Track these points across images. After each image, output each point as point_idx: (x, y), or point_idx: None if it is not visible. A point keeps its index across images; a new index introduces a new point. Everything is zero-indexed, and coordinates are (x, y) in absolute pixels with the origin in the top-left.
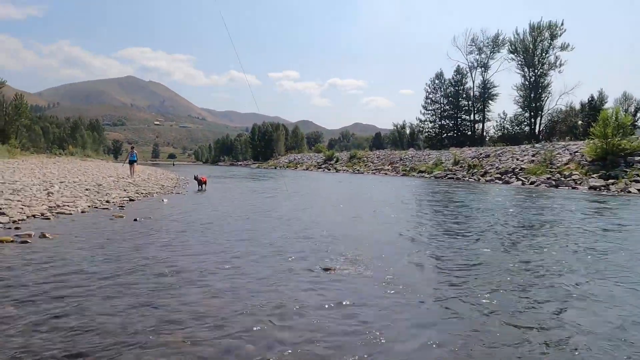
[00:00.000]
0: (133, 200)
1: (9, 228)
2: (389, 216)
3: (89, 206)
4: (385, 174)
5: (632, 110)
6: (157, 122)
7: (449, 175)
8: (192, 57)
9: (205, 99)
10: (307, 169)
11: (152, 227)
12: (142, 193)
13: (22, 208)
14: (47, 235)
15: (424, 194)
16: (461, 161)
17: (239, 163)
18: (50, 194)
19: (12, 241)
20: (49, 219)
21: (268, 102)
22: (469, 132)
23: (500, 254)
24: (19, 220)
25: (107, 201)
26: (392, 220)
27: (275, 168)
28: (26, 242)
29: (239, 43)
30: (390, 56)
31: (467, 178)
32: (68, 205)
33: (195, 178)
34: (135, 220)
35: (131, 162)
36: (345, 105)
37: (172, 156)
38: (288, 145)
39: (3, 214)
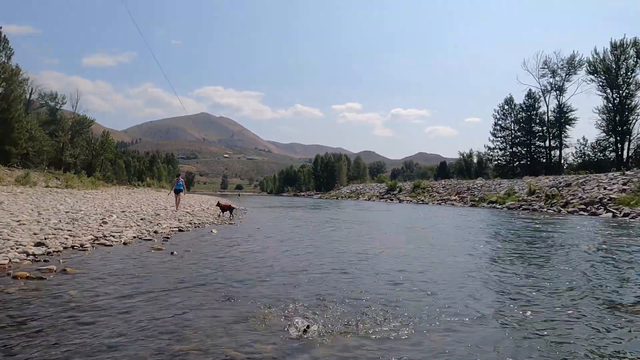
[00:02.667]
0: (182, 230)
1: (38, 260)
2: (463, 251)
3: (134, 237)
4: (452, 204)
5: None
6: (226, 155)
7: (523, 206)
8: (260, 94)
9: (271, 132)
10: (369, 199)
11: (184, 263)
12: (194, 223)
13: (66, 238)
14: (67, 270)
15: (502, 227)
16: (537, 191)
17: (302, 193)
18: (104, 224)
19: (27, 277)
20: (86, 250)
21: (331, 134)
22: (544, 160)
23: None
24: (54, 251)
25: (155, 232)
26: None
27: (337, 198)
28: (42, 278)
29: (303, 77)
30: (454, 84)
31: (545, 209)
32: (113, 236)
33: (218, 205)
34: (172, 253)
35: (176, 192)
36: (408, 135)
37: (239, 187)
38: (350, 175)
39: (43, 244)
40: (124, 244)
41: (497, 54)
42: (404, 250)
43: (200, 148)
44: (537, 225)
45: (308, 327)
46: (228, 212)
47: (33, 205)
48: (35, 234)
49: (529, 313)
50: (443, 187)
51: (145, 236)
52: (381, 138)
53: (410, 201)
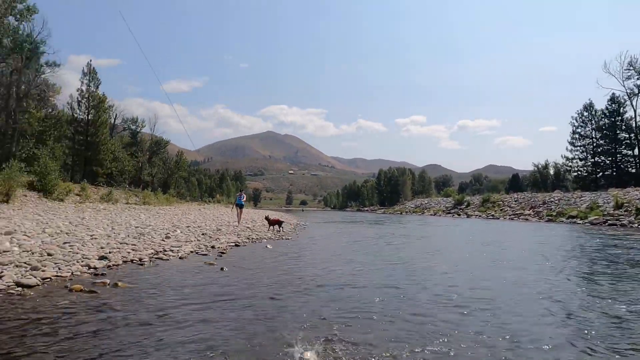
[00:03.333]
0: (239, 245)
1: (97, 274)
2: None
3: (191, 252)
4: (526, 219)
5: None
6: (291, 172)
7: (609, 222)
8: (323, 110)
9: (334, 148)
10: (434, 214)
11: (230, 279)
12: (252, 238)
13: (128, 252)
14: (118, 285)
15: (586, 245)
16: (626, 204)
17: (366, 209)
18: (167, 238)
19: (81, 290)
20: (143, 264)
21: (394, 148)
22: (633, 170)
23: None
24: (114, 265)
25: (213, 247)
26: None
27: (401, 213)
28: (94, 292)
29: (365, 92)
30: (526, 91)
31: (636, 225)
32: (172, 251)
33: (267, 218)
34: (222, 269)
35: (239, 206)
36: (476, 147)
37: (303, 202)
38: (415, 190)
39: (106, 258)
40: (180, 258)
41: (573, 57)
42: (467, 269)
43: (266, 165)
44: (631, 244)
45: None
46: (277, 225)
47: (109, 221)
48: (102, 247)
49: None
50: (515, 201)
51: (202, 251)
52: (447, 151)
53: (479, 216)
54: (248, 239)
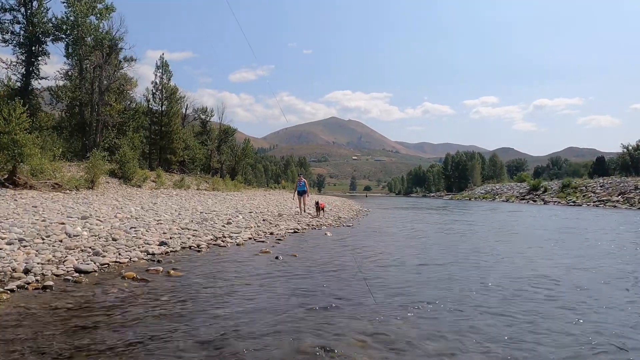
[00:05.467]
0: (297, 232)
1: (154, 260)
2: None
3: (249, 238)
4: (614, 206)
5: None
6: (355, 157)
7: None
8: (387, 94)
9: (398, 133)
10: (506, 201)
11: (283, 268)
12: (312, 225)
13: (189, 238)
14: (170, 273)
15: None
16: None
17: (432, 194)
18: (228, 224)
19: (133, 277)
20: (200, 251)
21: (462, 131)
22: None
23: None
24: (172, 251)
25: (271, 233)
26: None
27: (470, 199)
28: (145, 280)
29: (431, 73)
30: (617, 64)
31: None
32: (231, 237)
33: (317, 204)
34: (277, 258)
35: (300, 194)
36: (555, 128)
37: (367, 188)
38: (485, 175)
39: (165, 244)
40: (237, 245)
41: None
42: (544, 263)
43: (330, 151)
44: None
45: None
46: (322, 211)
47: (178, 206)
48: (164, 233)
49: None
50: (601, 187)
51: (260, 237)
52: (521, 133)
53: (558, 202)
54: (308, 225)
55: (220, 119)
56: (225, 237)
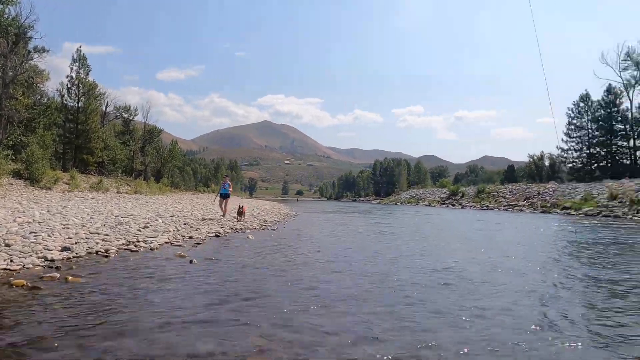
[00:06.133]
0: (219, 236)
1: (51, 267)
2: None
3: (165, 242)
4: (520, 210)
5: None
6: (287, 162)
7: (603, 213)
8: (319, 100)
9: (330, 138)
10: (429, 205)
11: (197, 272)
12: (235, 229)
13: (97, 243)
14: (68, 279)
15: (574, 237)
16: (620, 195)
17: (361, 199)
18: (144, 228)
19: (23, 285)
20: (108, 256)
21: (391, 139)
22: (628, 161)
23: None
24: (75, 257)
25: (191, 237)
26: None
27: (396, 204)
28: (37, 287)
29: (362, 82)
30: (525, 83)
31: (630, 216)
32: (145, 242)
33: (239, 208)
34: (191, 262)
35: (223, 197)
36: (473, 138)
37: (299, 193)
38: (410, 180)
39: (68, 249)
40: (151, 249)
41: (571, 49)
42: (435, 259)
43: (263, 155)
44: (622, 235)
45: None
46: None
47: (92, 210)
48: (69, 238)
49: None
50: (510, 192)
51: (178, 242)
52: (444, 142)
53: (474, 207)
54: (232, 229)
55: (145, 118)
56: (139, 241)
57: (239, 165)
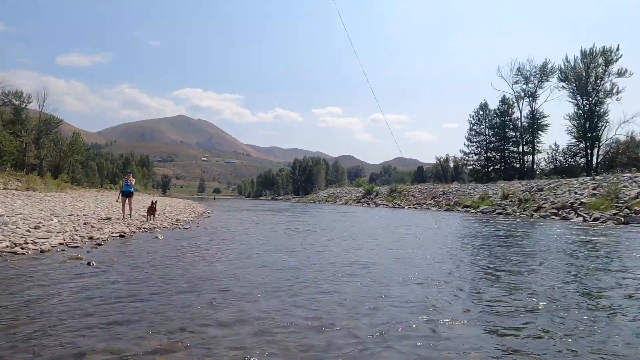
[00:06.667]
0: (124, 236)
1: None
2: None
3: (59, 244)
4: (427, 208)
5: None
6: (204, 158)
7: (497, 210)
8: (239, 97)
9: (250, 136)
10: (345, 203)
11: (95, 275)
12: (143, 228)
13: None
14: None
15: (469, 232)
16: (511, 195)
17: (280, 197)
18: (35, 229)
19: None
20: None
21: (311, 138)
22: (518, 165)
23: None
24: None
25: (91, 237)
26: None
27: (314, 202)
28: None
29: (284, 81)
30: (433, 91)
31: (517, 213)
32: (34, 243)
33: (152, 204)
34: (89, 264)
35: (125, 195)
36: (387, 140)
37: (216, 191)
38: (329, 179)
39: None
40: (41, 252)
41: (474, 61)
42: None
43: (178, 151)
44: (509, 230)
45: None
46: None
47: None
48: None
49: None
50: (419, 192)
51: (75, 243)
52: (361, 142)
53: (387, 205)
54: (139, 228)
55: (40, 107)
56: (27, 243)
57: (152, 161)
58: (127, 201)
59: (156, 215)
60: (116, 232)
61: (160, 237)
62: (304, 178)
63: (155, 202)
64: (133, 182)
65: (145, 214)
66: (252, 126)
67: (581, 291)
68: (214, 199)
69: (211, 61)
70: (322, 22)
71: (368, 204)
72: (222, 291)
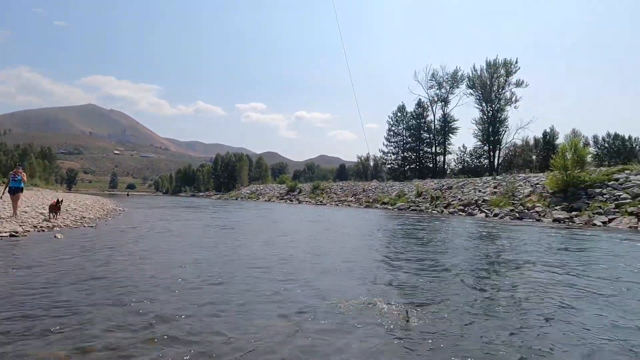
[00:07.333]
0: (16, 235)
1: None
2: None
3: None
4: (348, 205)
5: (581, 145)
6: (117, 152)
7: (412, 207)
8: (157, 87)
9: (169, 129)
10: (269, 200)
11: None
12: (39, 227)
13: None
14: None
15: (384, 228)
16: (424, 193)
17: (201, 194)
18: None
19: None
20: None
21: (234, 133)
22: (431, 164)
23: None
24: None
25: None
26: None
27: (237, 199)
28: None
29: (206, 73)
30: (357, 91)
31: (430, 210)
32: None
33: (57, 202)
34: None
35: (13, 191)
36: (311, 138)
37: (130, 186)
38: (252, 176)
39: None
40: None
41: (394, 64)
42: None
43: (86, 143)
44: (420, 224)
45: None
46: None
47: None
48: None
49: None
50: (341, 189)
51: None
52: (285, 139)
53: (310, 202)
54: (35, 227)
55: None
56: None
57: (55, 154)
58: (15, 198)
59: (59, 214)
60: (6, 232)
61: (59, 237)
62: (227, 174)
63: (61, 200)
64: (24, 177)
65: (49, 212)
66: (172, 119)
67: (472, 272)
68: (128, 195)
69: (126, 47)
70: (249, 15)
71: (291, 200)
72: (121, 294)
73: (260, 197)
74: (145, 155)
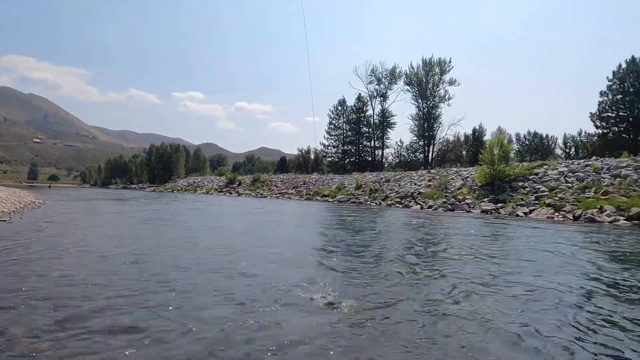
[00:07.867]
0: None
1: None
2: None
3: None
4: (289, 197)
5: (506, 142)
6: (37, 140)
7: (351, 200)
8: (85, 72)
9: (98, 117)
10: (207, 193)
11: None
12: None
13: None
14: None
15: (322, 219)
16: (363, 185)
17: (133, 186)
18: None
19: None
20: None
21: (170, 123)
22: (370, 158)
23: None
24: None
25: None
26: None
27: (173, 191)
28: None
29: (139, 59)
30: (297, 84)
31: (369, 202)
32: None
33: None
34: None
35: None
36: (252, 130)
37: (53, 178)
38: (189, 168)
39: None
40: None
41: (335, 59)
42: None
43: (0, 130)
44: (357, 216)
45: None
46: None
47: None
48: None
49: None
50: (281, 181)
51: None
52: (224, 131)
53: (250, 194)
54: None
55: None
56: None
57: None
58: None
59: None
60: None
61: None
62: (162, 166)
63: None
64: None
65: None
66: (101, 106)
67: (400, 257)
68: (49, 187)
69: (47, 24)
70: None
71: (231, 193)
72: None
73: (198, 189)
74: (70, 145)
